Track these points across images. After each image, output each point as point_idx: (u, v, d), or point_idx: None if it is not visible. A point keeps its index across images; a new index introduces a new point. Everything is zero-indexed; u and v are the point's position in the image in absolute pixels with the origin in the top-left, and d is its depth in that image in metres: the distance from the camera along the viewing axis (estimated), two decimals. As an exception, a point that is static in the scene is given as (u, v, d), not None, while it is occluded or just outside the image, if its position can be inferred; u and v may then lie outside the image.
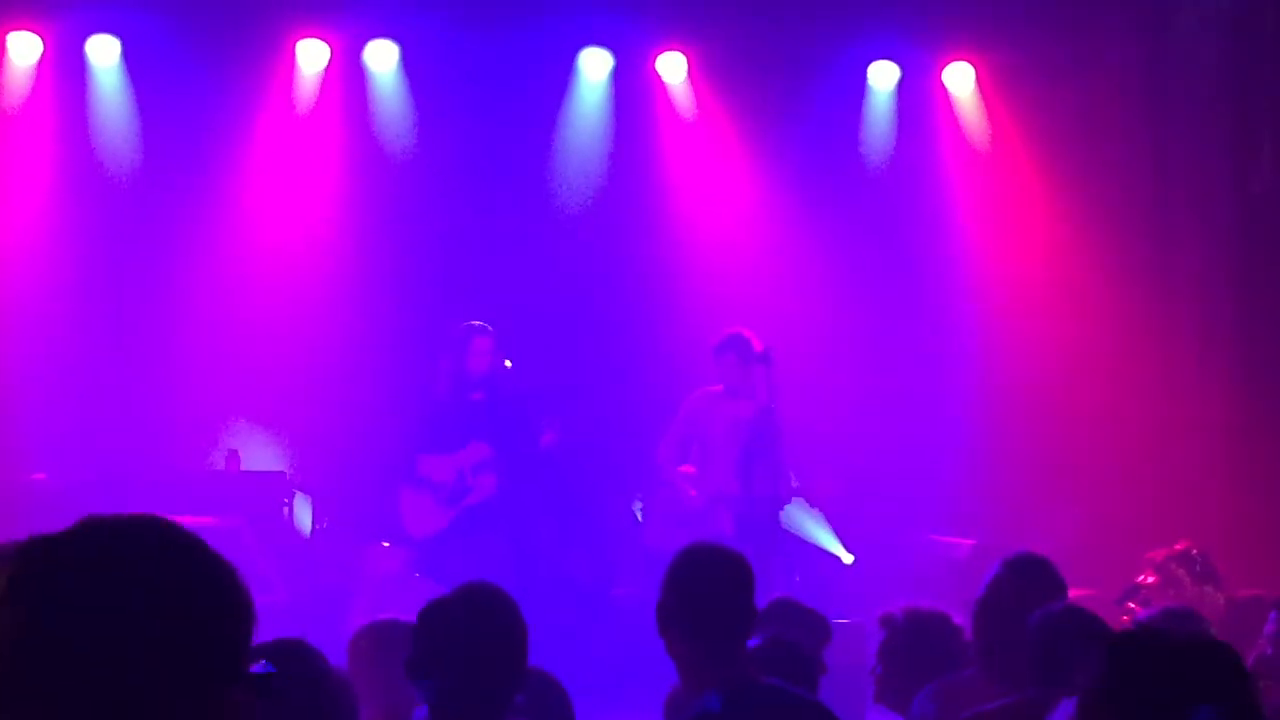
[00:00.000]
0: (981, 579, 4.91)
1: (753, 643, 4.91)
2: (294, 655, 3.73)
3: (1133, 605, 7.47)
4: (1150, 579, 7.46)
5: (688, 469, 10.33)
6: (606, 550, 11.22)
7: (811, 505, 10.89)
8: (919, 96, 12.42)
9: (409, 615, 9.18)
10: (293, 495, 10.95)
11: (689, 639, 4.22)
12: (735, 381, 10.23)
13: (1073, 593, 5.32)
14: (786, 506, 10.37)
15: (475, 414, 10.29)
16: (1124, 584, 7.97)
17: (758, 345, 10.12)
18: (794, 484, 10.37)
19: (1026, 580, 4.78)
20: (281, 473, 11.16)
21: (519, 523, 10.28)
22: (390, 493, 10.47)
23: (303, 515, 11.01)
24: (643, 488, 11.05)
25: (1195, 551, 7.60)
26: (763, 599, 8.63)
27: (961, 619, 5.36)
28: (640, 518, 11.17)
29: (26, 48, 11.44)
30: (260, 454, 11.40)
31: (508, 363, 10.29)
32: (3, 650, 1.78)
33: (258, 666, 1.89)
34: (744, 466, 10.17)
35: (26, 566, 1.83)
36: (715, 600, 4.24)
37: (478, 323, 10.40)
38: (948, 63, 12.36)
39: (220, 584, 1.87)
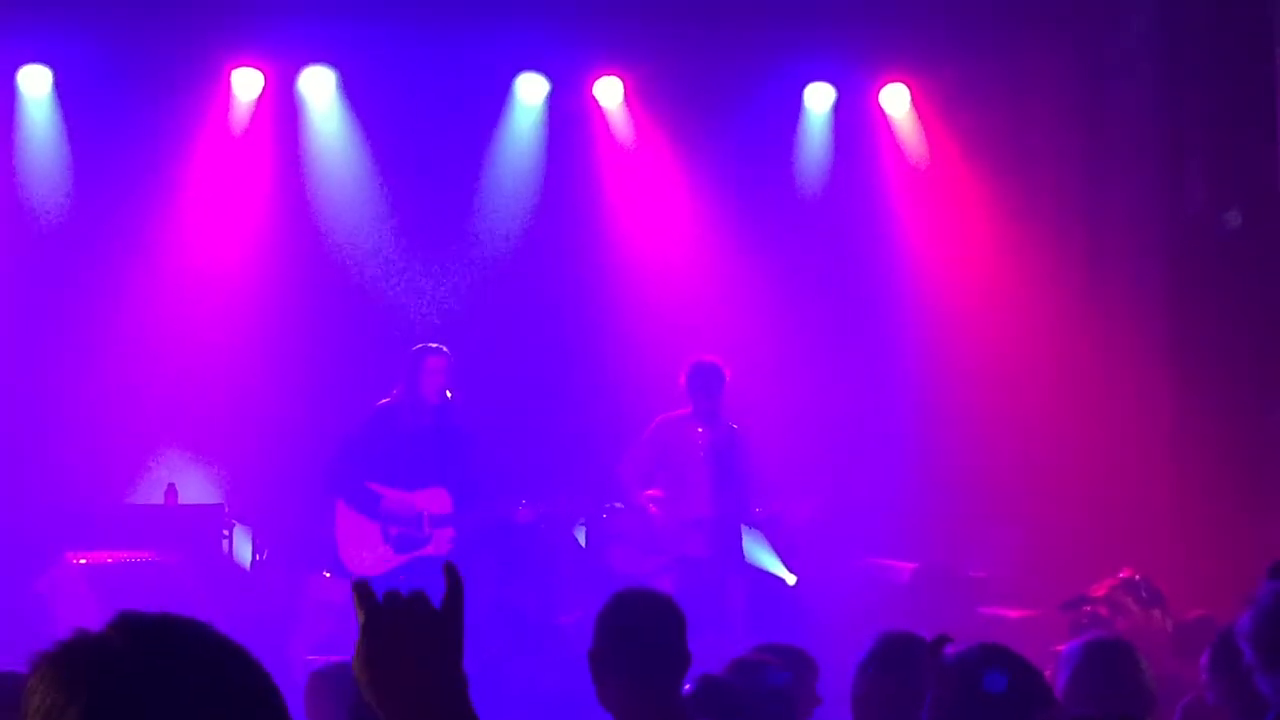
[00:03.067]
0: (926, 613, 4.87)
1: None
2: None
3: (1088, 609, 7.49)
4: (1100, 608, 7.49)
5: (655, 493, 10.31)
6: (550, 576, 11.16)
7: (755, 526, 10.88)
8: (855, 117, 12.47)
9: (351, 646, 9.11)
10: (231, 527, 10.86)
11: (623, 684, 4.20)
12: (707, 407, 10.26)
13: (1014, 614, 5.34)
14: (750, 527, 10.43)
15: (429, 446, 10.10)
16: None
17: (727, 372, 10.22)
18: (757, 510, 10.40)
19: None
20: (219, 505, 11.06)
21: (486, 574, 10.18)
22: (326, 514, 10.24)
23: (242, 547, 10.92)
24: (587, 512, 10.98)
25: (1139, 577, 7.64)
26: (723, 621, 8.64)
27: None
28: (584, 542, 11.12)
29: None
30: (197, 487, 11.30)
31: (449, 393, 10.12)
32: None
33: None
34: (717, 490, 10.22)
35: (73, 671, 1.78)
36: (649, 645, 4.21)
37: (434, 345, 10.24)
38: (883, 84, 12.42)
39: (257, 689, 1.85)
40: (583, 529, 11.09)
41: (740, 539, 10.34)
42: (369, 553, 10.00)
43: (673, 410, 10.47)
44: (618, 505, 10.44)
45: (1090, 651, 5.04)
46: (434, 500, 10.02)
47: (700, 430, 10.32)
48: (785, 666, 5.34)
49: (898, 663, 5.16)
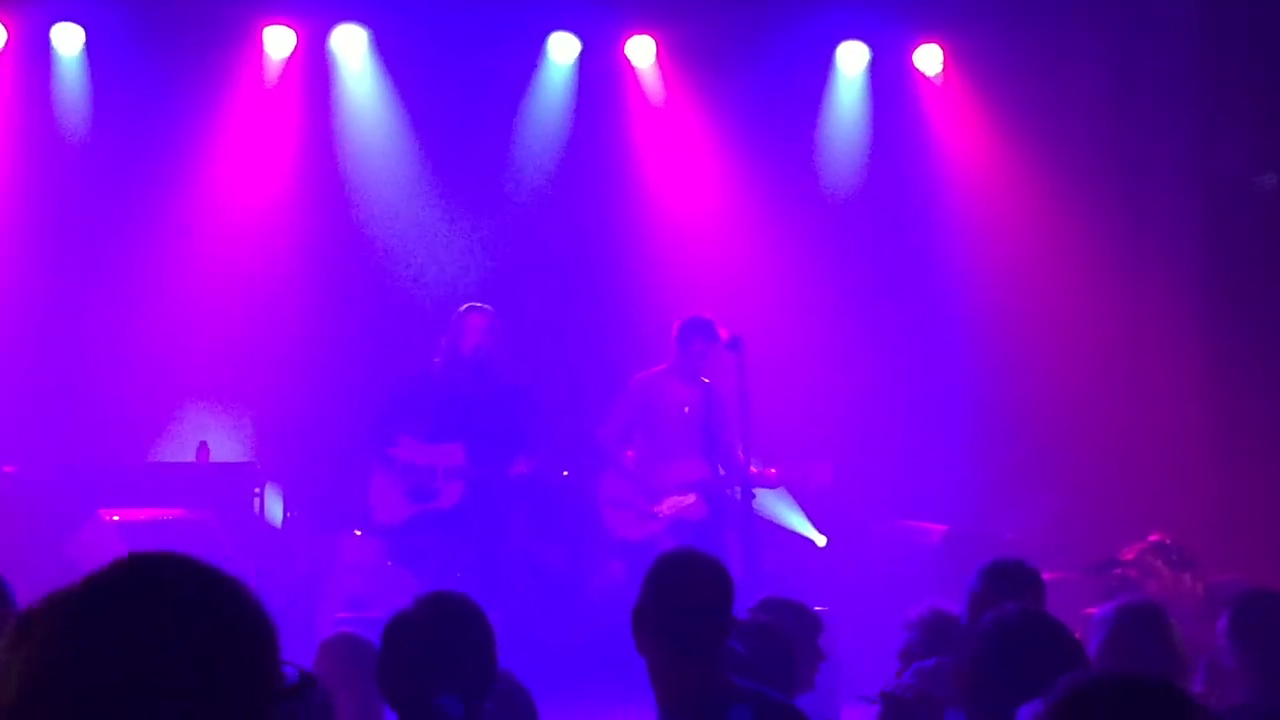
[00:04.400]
0: (958, 577, 4.86)
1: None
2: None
3: (1118, 572, 7.47)
4: (1130, 570, 7.47)
5: (630, 454, 10.31)
6: (577, 539, 11.17)
7: (784, 488, 10.85)
8: (888, 78, 12.40)
9: (381, 604, 9.16)
10: (263, 485, 10.90)
11: (665, 645, 4.20)
12: (695, 366, 10.19)
13: (1045, 576, 5.31)
14: (754, 489, 10.36)
15: (461, 403, 10.19)
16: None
17: (724, 332, 10.09)
18: (753, 467, 10.33)
19: (1001, 587, 4.74)
20: (251, 463, 11.11)
21: (483, 529, 10.20)
22: (363, 478, 10.40)
23: (273, 505, 10.96)
24: (597, 469, 10.93)
25: (1169, 541, 7.62)
26: (738, 580, 8.64)
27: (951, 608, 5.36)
28: (598, 505, 11.10)
29: (-10, 35, 11.38)
30: (229, 445, 11.34)
31: (497, 349, 10.20)
32: (23, 687, 1.73)
33: (292, 676, 1.85)
34: (706, 451, 10.18)
35: (51, 606, 1.78)
36: (694, 607, 4.22)
37: (476, 304, 10.33)
38: (917, 45, 12.34)
39: (246, 621, 1.83)
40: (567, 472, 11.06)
41: (750, 497, 10.18)
42: (389, 502, 10.16)
43: (647, 368, 10.44)
44: (565, 474, 10.40)
45: (1122, 615, 5.02)
46: (448, 454, 10.11)
47: (681, 388, 10.26)
48: (788, 623, 5.34)
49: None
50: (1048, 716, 2.98)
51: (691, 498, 10.17)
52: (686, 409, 10.23)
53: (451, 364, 10.19)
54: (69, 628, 1.74)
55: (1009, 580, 4.86)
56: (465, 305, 10.33)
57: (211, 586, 1.81)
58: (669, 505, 10.18)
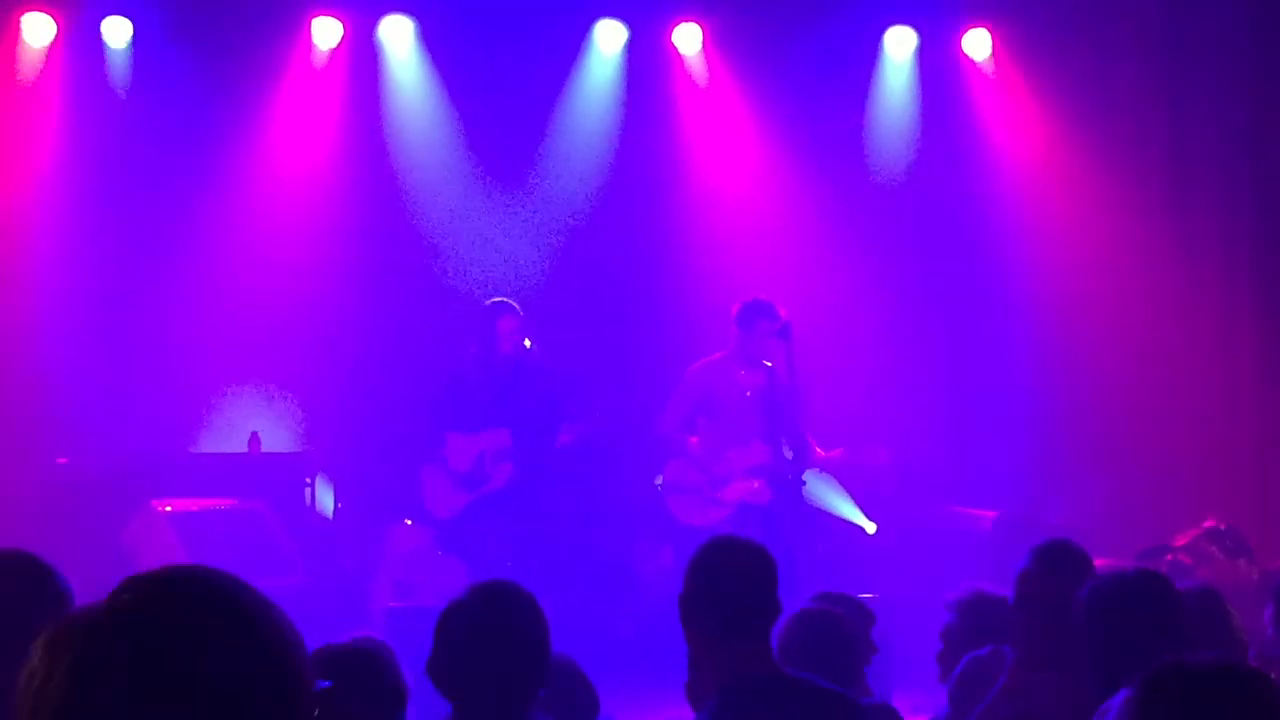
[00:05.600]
0: (1008, 563, 4.84)
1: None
2: (368, 661, 3.78)
3: (1169, 557, 7.41)
4: (1183, 556, 7.42)
5: (694, 439, 10.30)
6: (630, 525, 11.19)
7: (833, 475, 10.83)
8: (937, 63, 12.35)
9: (431, 593, 9.19)
10: (314, 475, 10.95)
11: (711, 630, 4.20)
12: (756, 350, 10.15)
13: (1096, 563, 5.29)
14: (817, 471, 10.36)
15: (500, 393, 10.25)
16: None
17: (784, 315, 10.07)
18: (822, 452, 10.32)
19: (1055, 567, 4.72)
20: (303, 453, 11.16)
21: (536, 509, 10.25)
22: (413, 470, 10.46)
23: (324, 495, 11.01)
24: (660, 457, 11.02)
25: (1224, 527, 7.56)
26: (788, 569, 8.63)
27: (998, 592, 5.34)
28: (662, 491, 11.15)
29: (41, 29, 11.43)
30: (281, 435, 11.40)
31: (527, 342, 10.25)
32: (61, 701, 1.70)
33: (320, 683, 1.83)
34: (770, 435, 10.13)
35: (71, 634, 1.74)
36: (739, 593, 4.21)
37: (503, 300, 10.37)
38: (966, 29, 12.28)
39: (276, 646, 1.77)
40: (661, 478, 11.11)
41: (800, 483, 10.19)
42: (443, 497, 10.22)
43: (706, 355, 10.42)
44: (658, 482, 10.43)
45: (1185, 601, 4.98)
46: (493, 439, 10.16)
47: (742, 373, 10.23)
48: (843, 616, 5.33)
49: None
50: (1134, 697, 2.96)
51: (757, 483, 10.16)
52: (749, 393, 10.21)
53: (485, 361, 10.25)
54: (95, 654, 1.71)
55: (1061, 558, 4.83)
56: (490, 303, 10.36)
57: (244, 603, 1.78)
58: (734, 491, 10.17)
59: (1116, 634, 4.21)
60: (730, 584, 4.22)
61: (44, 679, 1.71)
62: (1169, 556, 7.52)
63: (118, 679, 1.69)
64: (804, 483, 10.08)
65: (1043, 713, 4.51)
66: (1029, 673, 4.66)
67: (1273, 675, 5.07)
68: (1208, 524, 7.62)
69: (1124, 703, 2.98)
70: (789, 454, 10.16)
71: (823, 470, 10.40)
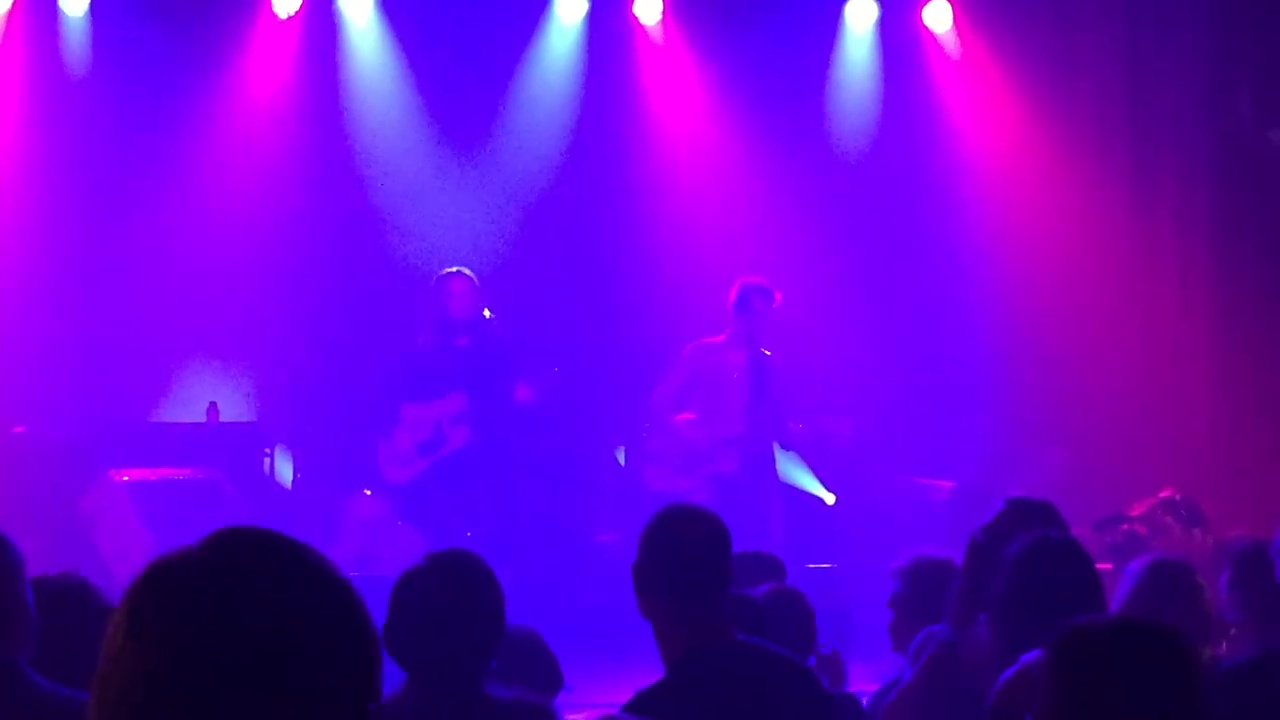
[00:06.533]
0: (965, 532, 4.86)
1: (760, 591, 4.94)
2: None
3: (1125, 528, 7.46)
4: (1139, 526, 7.47)
5: (688, 416, 10.33)
6: (591, 495, 11.21)
7: (795, 447, 10.86)
8: (898, 35, 12.36)
9: (390, 562, 9.18)
10: (273, 446, 10.93)
11: (665, 598, 4.21)
12: (754, 329, 10.21)
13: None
14: (786, 446, 10.42)
15: (457, 360, 10.25)
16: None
17: (778, 295, 10.16)
18: (797, 426, 10.38)
19: (1030, 522, 4.73)
20: (261, 423, 11.14)
21: (496, 472, 10.25)
22: (371, 440, 10.45)
23: (283, 465, 10.99)
24: (626, 433, 11.04)
25: (1179, 497, 7.62)
26: (763, 538, 8.68)
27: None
28: (624, 462, 11.17)
29: (-3, -3, 11.35)
30: (239, 405, 11.37)
31: (487, 312, 10.23)
32: (133, 689, 1.66)
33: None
34: (751, 409, 10.20)
35: (155, 596, 1.69)
36: (693, 561, 4.22)
37: (455, 268, 10.36)
38: (926, 2, 12.28)
39: (351, 612, 1.74)
40: (623, 449, 11.13)
41: (773, 457, 10.30)
42: (402, 464, 10.20)
43: (707, 336, 10.45)
44: (619, 455, 10.49)
45: (1152, 571, 5.03)
46: (449, 404, 10.17)
47: (736, 354, 10.29)
48: (761, 577, 5.36)
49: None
50: (1046, 657, 3.03)
51: (728, 454, 10.23)
52: (737, 374, 10.28)
53: (441, 329, 10.23)
54: (189, 616, 1.67)
55: (1030, 515, 4.85)
56: (443, 271, 10.35)
57: (318, 564, 1.75)
58: (705, 460, 10.24)
59: (1028, 593, 4.26)
60: (683, 553, 4.23)
61: (135, 637, 1.67)
62: (1125, 526, 7.57)
63: (221, 636, 1.66)
64: (774, 456, 10.18)
65: (971, 663, 4.56)
66: (964, 622, 4.70)
67: (1223, 640, 5.13)
68: (1164, 494, 7.67)
69: (1038, 663, 3.07)
70: (762, 426, 10.25)
71: (788, 444, 10.45)
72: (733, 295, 10.26)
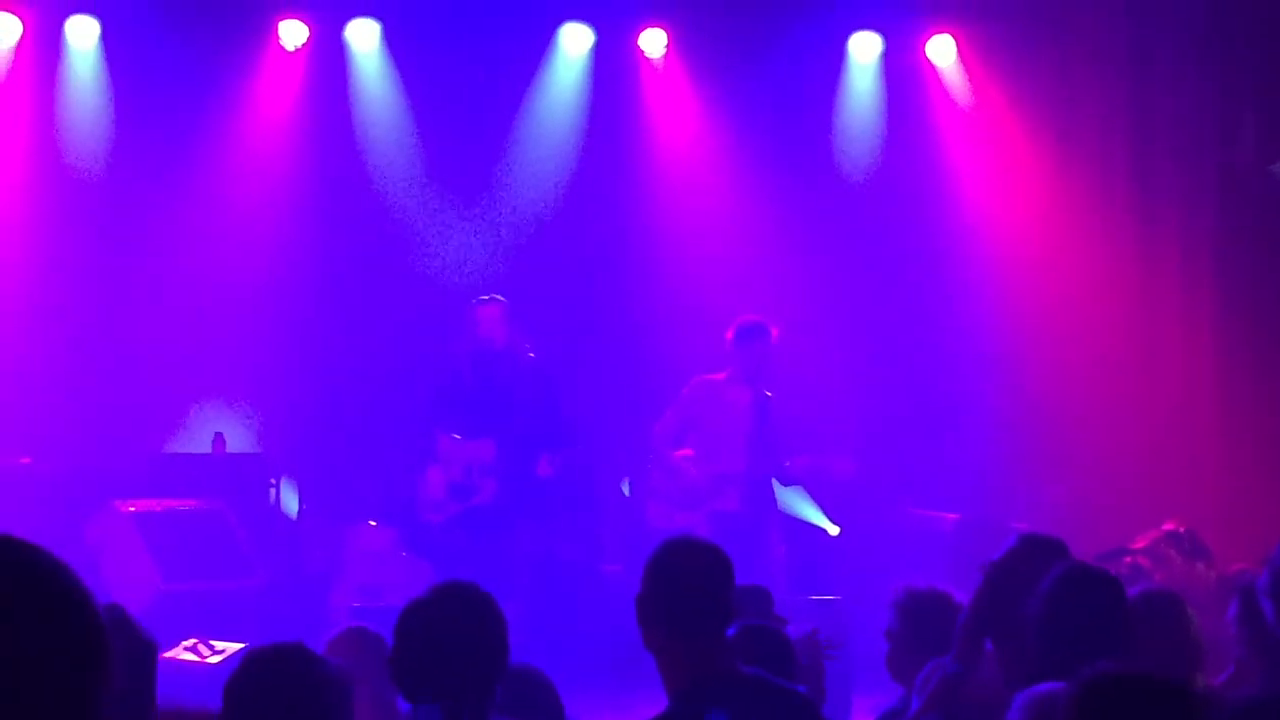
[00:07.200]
0: (969, 565, 4.88)
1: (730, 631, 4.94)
2: (293, 659, 3.76)
3: (1128, 560, 7.46)
4: (1142, 559, 7.47)
5: (686, 453, 10.35)
6: (596, 527, 11.23)
7: (805, 479, 10.88)
8: (902, 68, 12.40)
9: (395, 593, 9.20)
10: (278, 477, 10.95)
11: (668, 631, 4.23)
12: (753, 368, 10.25)
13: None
14: (784, 482, 10.44)
15: (493, 395, 10.28)
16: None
17: (775, 332, 10.21)
18: (788, 464, 10.40)
19: (1042, 556, 4.75)
20: (267, 454, 11.16)
21: (515, 531, 10.29)
22: (409, 471, 10.48)
23: (288, 496, 11.01)
24: (631, 466, 11.07)
25: (1183, 530, 7.61)
26: (765, 573, 8.71)
27: (954, 593, 5.39)
28: (628, 494, 11.19)
29: (5, 29, 11.39)
30: (245, 436, 11.38)
31: (531, 354, 10.32)
32: None
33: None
34: (752, 447, 10.23)
35: None
36: (695, 593, 4.24)
37: (488, 295, 10.44)
38: (930, 35, 12.33)
39: (75, 609, 1.80)
40: (628, 482, 11.15)
41: (774, 494, 10.33)
42: (438, 501, 10.28)
43: (709, 372, 10.48)
44: (624, 489, 10.52)
45: (1141, 603, 5.04)
46: (481, 450, 10.19)
47: (738, 392, 10.31)
48: (747, 609, 5.37)
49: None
50: (1071, 698, 3.13)
51: (728, 491, 10.26)
52: (738, 411, 10.30)
53: (477, 357, 10.29)
54: None
55: (1041, 550, 4.87)
56: (477, 298, 10.43)
57: (42, 568, 1.82)
58: (705, 497, 10.26)
59: (1067, 625, 4.29)
60: (685, 585, 4.25)
61: None
62: (1128, 559, 7.57)
63: None
64: (773, 492, 10.21)
65: (977, 696, 4.58)
66: (970, 655, 4.73)
67: (1224, 670, 5.13)
68: (1167, 527, 7.66)
69: (1060, 696, 3.18)
70: (761, 463, 10.28)
71: (787, 476, 10.47)
72: (730, 334, 10.29)
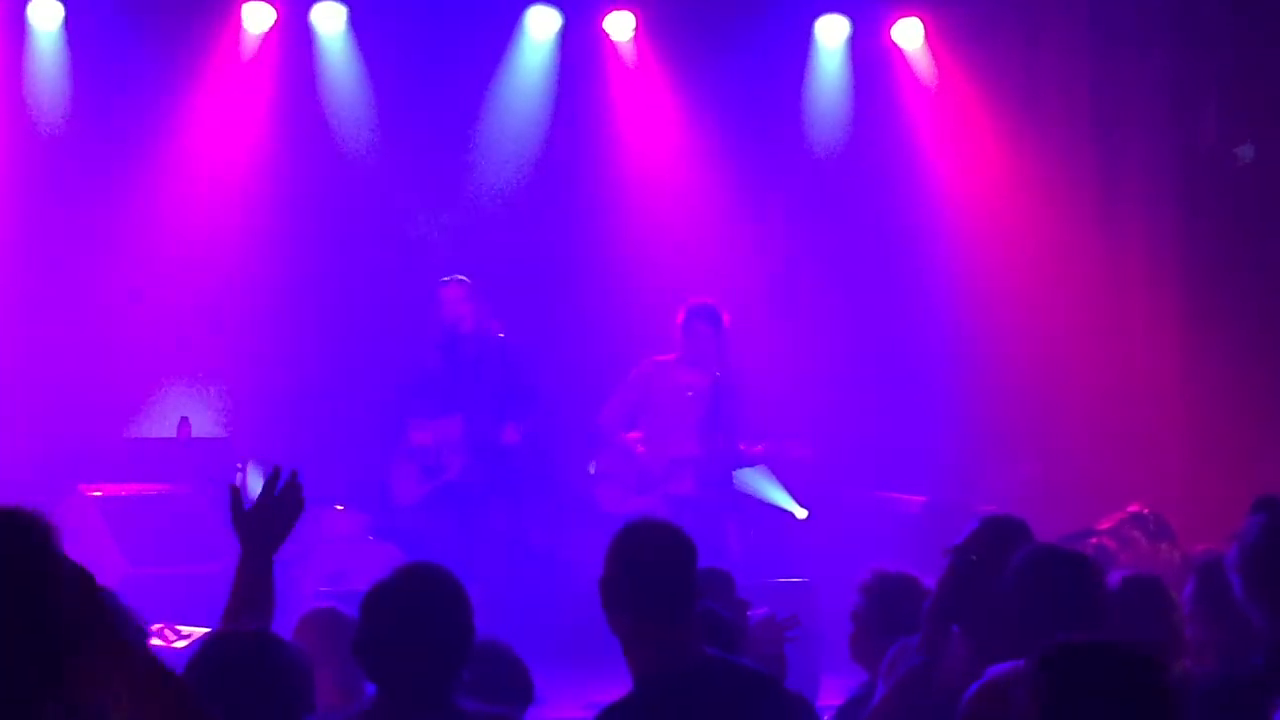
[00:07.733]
0: (937, 547, 4.88)
1: None
2: (252, 642, 3.74)
3: (1094, 541, 7.48)
4: (1107, 540, 7.50)
5: (635, 435, 10.35)
6: (561, 512, 11.23)
7: (766, 464, 10.89)
8: (869, 51, 12.41)
9: (363, 578, 9.18)
10: (245, 461, 10.91)
11: (632, 614, 4.23)
12: (701, 351, 10.22)
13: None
14: (741, 467, 10.43)
15: (461, 375, 10.31)
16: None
17: (726, 316, 10.19)
18: (756, 449, 10.40)
19: (1006, 539, 4.76)
20: (233, 439, 11.13)
21: (486, 504, 10.30)
22: (382, 458, 10.49)
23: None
24: (595, 450, 11.06)
25: (1147, 512, 7.64)
26: (721, 557, 8.72)
27: (921, 577, 5.40)
28: (594, 474, 11.20)
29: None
30: (211, 420, 11.35)
31: (500, 334, 10.35)
32: None
33: None
34: (705, 431, 10.22)
35: None
36: (659, 576, 4.24)
37: (448, 277, 10.46)
38: (896, 19, 12.34)
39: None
40: (595, 464, 11.14)
41: (729, 477, 10.32)
42: (408, 484, 10.35)
43: (659, 354, 10.48)
44: (590, 469, 10.52)
45: (1125, 587, 5.06)
46: (447, 428, 10.21)
47: (688, 374, 10.31)
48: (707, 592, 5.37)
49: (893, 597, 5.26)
50: (1029, 672, 3.06)
51: (683, 475, 10.26)
52: (690, 394, 10.29)
53: (445, 338, 10.30)
54: None
55: (1006, 530, 4.88)
56: (441, 279, 10.43)
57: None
58: (659, 481, 10.25)
59: (1039, 606, 4.29)
60: (648, 568, 4.25)
61: None
62: (1093, 540, 7.58)
63: None
64: (731, 477, 10.21)
65: (944, 680, 4.58)
66: (937, 639, 4.73)
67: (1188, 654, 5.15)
68: (1132, 509, 7.68)
69: (1019, 673, 3.11)
70: (717, 447, 10.27)
71: (750, 463, 10.47)
72: (680, 315, 10.29)
